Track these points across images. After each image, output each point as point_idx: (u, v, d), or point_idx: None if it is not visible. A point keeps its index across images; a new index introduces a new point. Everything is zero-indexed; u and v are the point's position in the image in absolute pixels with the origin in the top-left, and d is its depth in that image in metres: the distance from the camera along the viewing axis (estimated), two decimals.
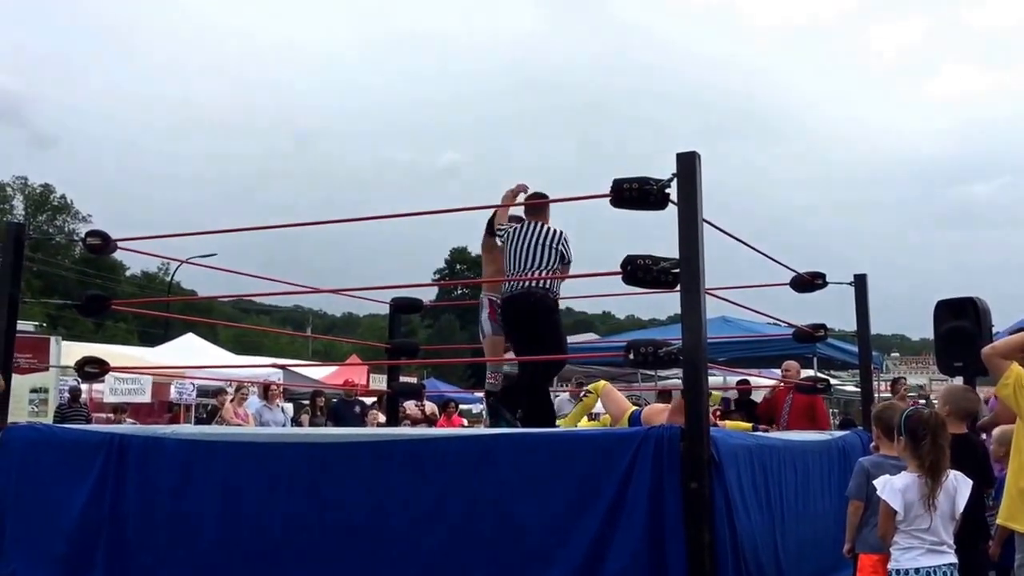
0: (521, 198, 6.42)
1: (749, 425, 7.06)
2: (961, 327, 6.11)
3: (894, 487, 3.69)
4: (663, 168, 4.28)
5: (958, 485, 3.71)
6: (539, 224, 6.13)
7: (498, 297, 6.41)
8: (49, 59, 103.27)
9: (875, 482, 3.79)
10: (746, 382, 10.51)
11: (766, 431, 7.30)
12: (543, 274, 5.95)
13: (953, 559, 3.70)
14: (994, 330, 6.25)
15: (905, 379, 14.09)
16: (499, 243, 6.40)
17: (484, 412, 7.22)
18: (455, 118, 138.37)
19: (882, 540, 3.81)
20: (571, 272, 6.23)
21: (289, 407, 16.80)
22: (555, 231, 6.09)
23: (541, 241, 6.03)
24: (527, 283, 5.98)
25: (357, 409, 12.95)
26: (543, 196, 6.25)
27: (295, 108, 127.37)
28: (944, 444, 3.69)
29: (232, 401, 12.47)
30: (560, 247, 6.03)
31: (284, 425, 12.69)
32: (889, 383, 13.77)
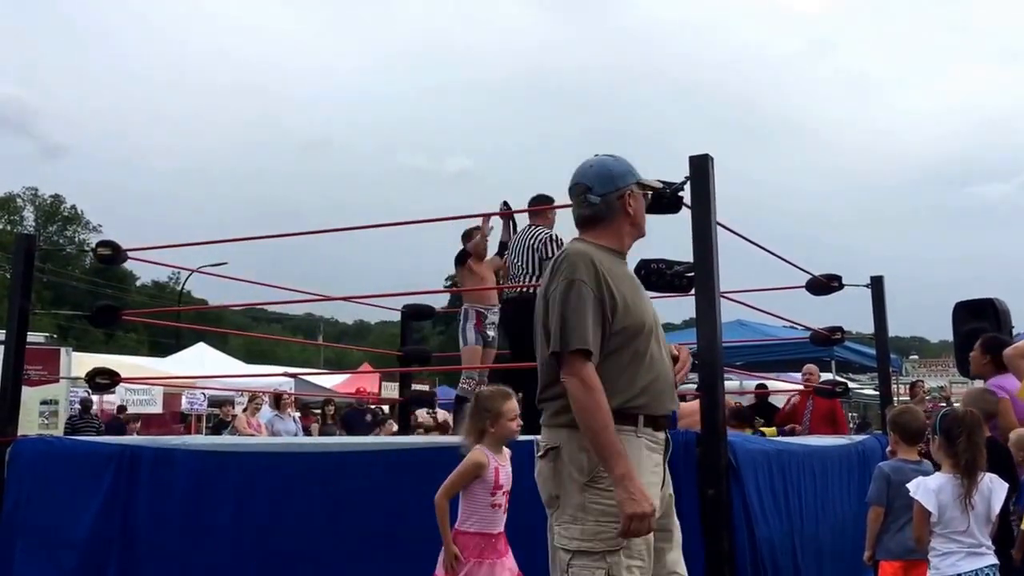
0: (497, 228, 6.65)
1: (774, 430, 7.00)
2: (981, 328, 6.03)
3: (928, 487, 3.63)
4: (676, 171, 4.25)
5: (993, 487, 3.65)
6: (531, 227, 6.19)
7: (485, 308, 6.66)
8: (58, 70, 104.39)
9: (909, 484, 3.74)
10: (763, 387, 10.44)
11: (791, 432, 7.23)
12: (529, 279, 6.01)
13: (994, 560, 3.63)
14: (1014, 331, 6.19)
15: (923, 382, 13.94)
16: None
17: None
18: (464, 124, 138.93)
19: (918, 543, 3.74)
20: None
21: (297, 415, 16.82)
22: (540, 233, 6.11)
23: (528, 244, 6.09)
24: (521, 288, 6.07)
25: (368, 418, 12.94)
26: (544, 199, 6.27)
27: (306, 117, 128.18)
28: (980, 443, 3.64)
29: (245, 411, 12.49)
30: (540, 248, 6.04)
31: (296, 434, 12.70)
32: (908, 386, 13.67)
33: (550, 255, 5.94)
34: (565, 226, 6.32)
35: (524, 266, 6.08)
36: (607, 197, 2.71)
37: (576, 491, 2.48)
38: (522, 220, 6.54)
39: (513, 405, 3.74)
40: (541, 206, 6.23)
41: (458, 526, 3.64)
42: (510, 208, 6.51)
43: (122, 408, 15.79)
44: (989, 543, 3.65)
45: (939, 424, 3.74)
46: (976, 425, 3.70)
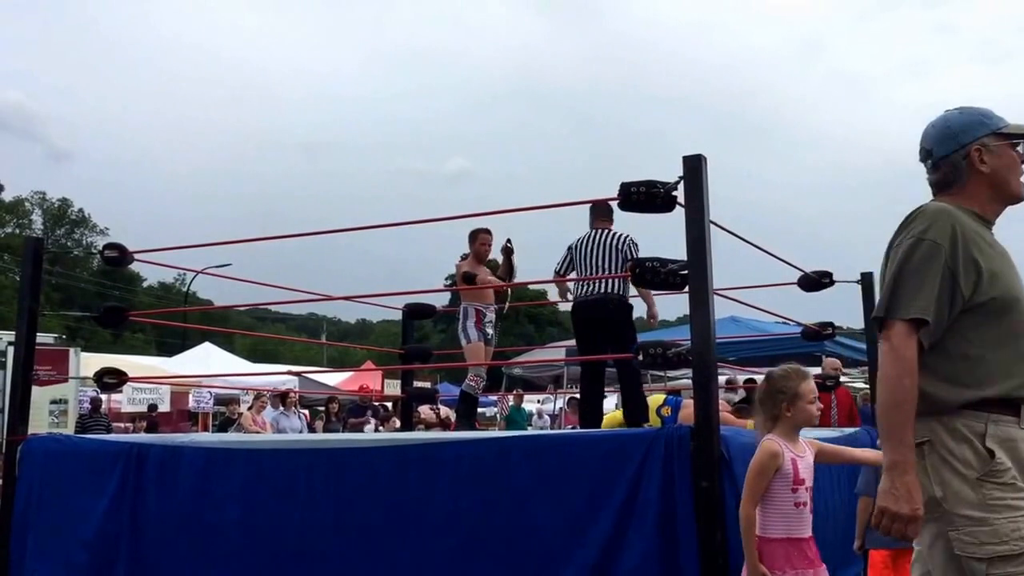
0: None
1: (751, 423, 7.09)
2: None
3: None
4: (669, 171, 4.32)
5: None
6: (603, 231, 6.36)
7: (483, 306, 6.89)
8: (60, 76, 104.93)
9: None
10: (753, 381, 10.51)
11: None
12: (618, 283, 6.18)
13: None
14: None
15: None
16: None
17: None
18: (460, 126, 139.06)
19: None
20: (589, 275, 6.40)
21: (305, 413, 16.97)
22: (620, 235, 6.31)
23: (613, 246, 6.27)
24: (602, 289, 6.22)
25: (369, 413, 13.10)
26: (605, 203, 6.35)
27: (305, 119, 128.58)
28: None
29: (251, 409, 12.62)
30: (626, 250, 6.24)
31: (301, 431, 12.83)
32: None
33: (634, 256, 6.12)
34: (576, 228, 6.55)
35: (611, 268, 6.21)
36: (950, 158, 2.34)
37: (969, 488, 2.11)
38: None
39: (812, 386, 3.34)
40: (604, 209, 6.38)
41: (760, 532, 3.24)
42: (512, 246, 6.74)
43: (152, 407, 16.17)
44: None
45: None
46: None
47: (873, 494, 4.10)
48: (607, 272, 6.19)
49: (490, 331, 6.95)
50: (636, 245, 6.27)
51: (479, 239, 6.95)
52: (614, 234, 6.32)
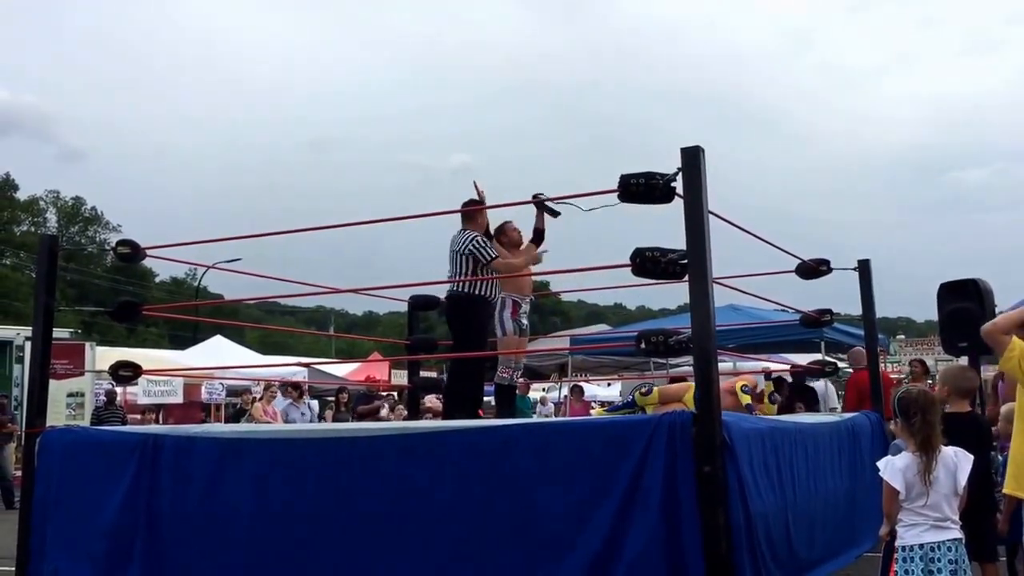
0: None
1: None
2: (964, 308, 6.12)
3: (895, 467, 3.74)
4: (668, 163, 4.36)
5: (959, 461, 3.75)
6: (462, 231, 6.67)
7: (520, 297, 6.93)
8: (71, 78, 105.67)
9: (878, 463, 3.84)
10: (797, 366, 10.50)
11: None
12: (456, 279, 6.55)
13: (957, 534, 3.73)
14: (997, 309, 6.26)
15: (921, 362, 13.81)
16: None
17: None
18: (463, 122, 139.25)
19: (887, 519, 3.84)
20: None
21: (315, 403, 17.12)
22: (466, 235, 6.58)
23: (456, 248, 6.61)
24: (450, 287, 6.64)
25: (384, 397, 13.29)
26: (473, 203, 6.71)
27: (310, 115, 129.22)
28: (934, 421, 3.74)
29: (261, 400, 12.75)
30: (468, 250, 6.54)
31: (311, 420, 12.95)
32: (908, 365, 13.61)
33: (480, 257, 6.48)
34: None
35: (455, 269, 6.58)
36: None
37: None
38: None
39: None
40: (472, 209, 6.66)
41: None
42: (539, 197, 6.80)
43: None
44: (955, 518, 3.74)
45: (897, 405, 3.85)
46: (930, 405, 3.79)
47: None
48: (452, 272, 6.69)
49: (524, 321, 7.07)
50: (480, 244, 6.63)
51: (505, 229, 7.07)
52: (463, 236, 6.68)
